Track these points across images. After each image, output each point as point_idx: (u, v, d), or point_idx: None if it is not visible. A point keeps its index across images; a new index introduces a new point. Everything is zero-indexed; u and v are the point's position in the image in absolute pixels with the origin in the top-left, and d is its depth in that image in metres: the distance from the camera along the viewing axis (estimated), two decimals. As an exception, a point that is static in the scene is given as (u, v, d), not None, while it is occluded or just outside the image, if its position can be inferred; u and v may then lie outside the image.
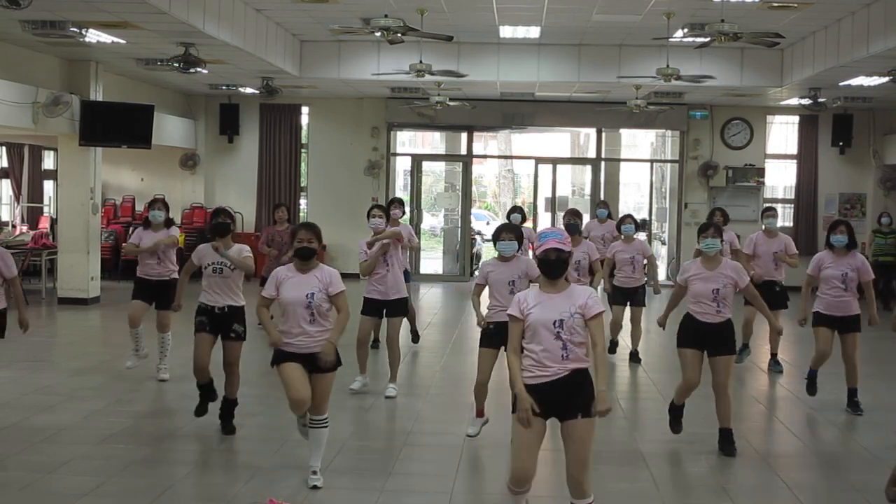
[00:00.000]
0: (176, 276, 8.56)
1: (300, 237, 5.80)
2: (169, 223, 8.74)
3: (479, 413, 6.96)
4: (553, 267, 4.67)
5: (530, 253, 9.38)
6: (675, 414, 6.99)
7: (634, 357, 10.16)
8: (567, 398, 4.59)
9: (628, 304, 10.13)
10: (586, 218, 13.71)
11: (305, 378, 5.74)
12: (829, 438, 7.24)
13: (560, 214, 18.10)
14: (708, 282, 6.60)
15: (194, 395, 7.86)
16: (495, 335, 6.51)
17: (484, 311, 6.79)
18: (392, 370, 8.41)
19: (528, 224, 17.14)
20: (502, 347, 6.20)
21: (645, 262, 10.02)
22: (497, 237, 6.67)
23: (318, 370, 5.76)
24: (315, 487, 5.78)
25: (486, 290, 6.80)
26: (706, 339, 6.65)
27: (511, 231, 6.66)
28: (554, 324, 4.57)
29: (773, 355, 9.90)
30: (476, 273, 6.95)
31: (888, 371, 10.04)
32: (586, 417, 4.57)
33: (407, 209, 10.49)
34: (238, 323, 6.99)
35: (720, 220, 10.11)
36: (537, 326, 4.60)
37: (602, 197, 17.07)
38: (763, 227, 9.81)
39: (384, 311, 8.36)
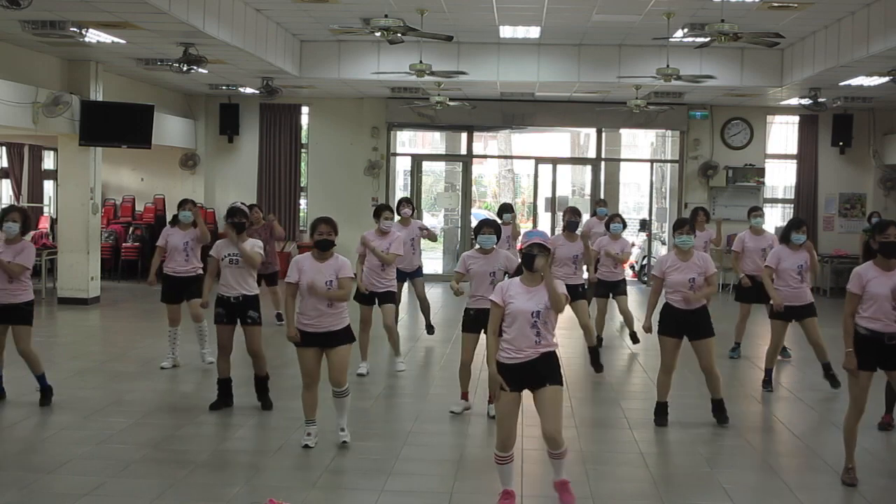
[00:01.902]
0: (202, 271, 9.07)
1: (320, 230, 6.44)
2: (196, 223, 9.17)
3: (464, 396, 7.67)
4: (534, 261, 5.25)
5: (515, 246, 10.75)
6: (661, 411, 7.55)
7: (634, 338, 11.04)
8: (537, 375, 5.28)
9: (611, 295, 10.85)
10: (585, 216, 14.20)
11: (318, 363, 6.49)
12: (830, 438, 7.23)
13: (560, 214, 18.21)
14: (683, 272, 7.28)
15: (195, 395, 7.91)
16: (476, 321, 7.24)
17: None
18: (395, 348, 9.25)
19: (528, 224, 17.19)
20: (482, 332, 6.98)
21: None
22: (478, 231, 7.32)
23: (333, 345, 6.42)
24: (344, 443, 6.54)
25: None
26: (685, 326, 7.32)
27: (491, 226, 7.27)
28: (532, 314, 5.24)
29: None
30: (458, 262, 7.38)
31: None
32: (553, 385, 5.27)
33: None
34: (252, 309, 7.56)
35: (702, 218, 11.18)
36: (517, 315, 5.25)
37: (602, 196, 17.08)
38: (750, 225, 10.35)
39: (376, 301, 9.01)
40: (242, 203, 8.04)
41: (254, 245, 7.59)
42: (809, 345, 8.80)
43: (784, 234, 8.61)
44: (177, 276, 9.06)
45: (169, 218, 17.45)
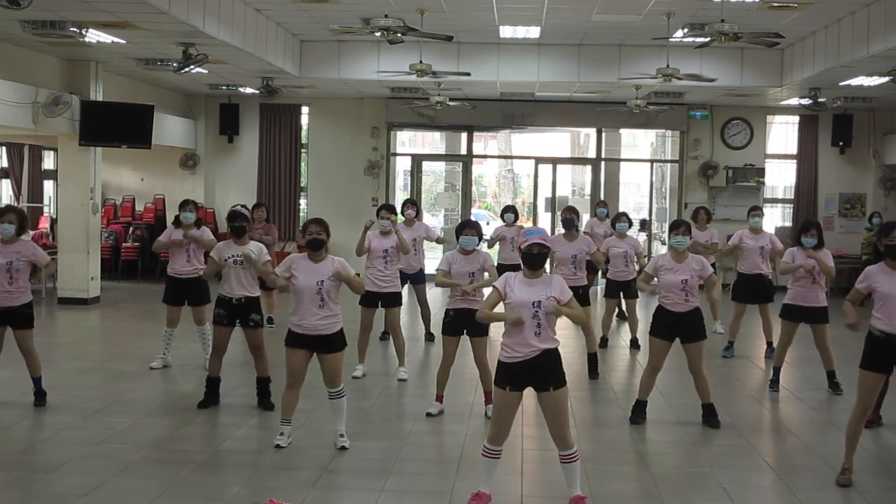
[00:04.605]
0: None
1: (311, 230, 6.47)
2: (199, 223, 9.14)
3: (439, 399, 7.68)
4: (535, 259, 5.37)
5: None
6: (639, 409, 7.58)
7: (634, 344, 10.93)
8: (540, 374, 5.27)
9: (621, 295, 10.91)
10: (585, 217, 14.27)
11: (305, 365, 6.46)
12: (830, 438, 7.24)
13: (559, 214, 18.24)
14: (677, 273, 7.29)
15: (195, 395, 7.90)
16: (455, 323, 7.35)
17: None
18: (399, 356, 9.03)
19: (527, 224, 17.23)
20: (464, 333, 7.34)
21: (635, 256, 10.70)
22: (460, 232, 7.35)
23: (326, 351, 6.41)
24: (343, 448, 6.48)
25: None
26: (677, 328, 7.34)
27: (473, 227, 7.37)
28: (533, 304, 5.26)
29: (769, 344, 10.42)
30: (440, 262, 7.49)
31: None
32: (558, 389, 5.27)
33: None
34: (255, 312, 7.62)
35: (704, 217, 11.50)
36: (518, 306, 5.27)
37: (602, 197, 17.10)
38: (749, 225, 10.50)
39: (379, 303, 8.92)
40: (244, 206, 8.02)
41: (261, 251, 7.54)
42: (816, 348, 8.73)
43: (795, 238, 8.70)
44: (179, 278, 9.01)
45: (170, 218, 17.60)
